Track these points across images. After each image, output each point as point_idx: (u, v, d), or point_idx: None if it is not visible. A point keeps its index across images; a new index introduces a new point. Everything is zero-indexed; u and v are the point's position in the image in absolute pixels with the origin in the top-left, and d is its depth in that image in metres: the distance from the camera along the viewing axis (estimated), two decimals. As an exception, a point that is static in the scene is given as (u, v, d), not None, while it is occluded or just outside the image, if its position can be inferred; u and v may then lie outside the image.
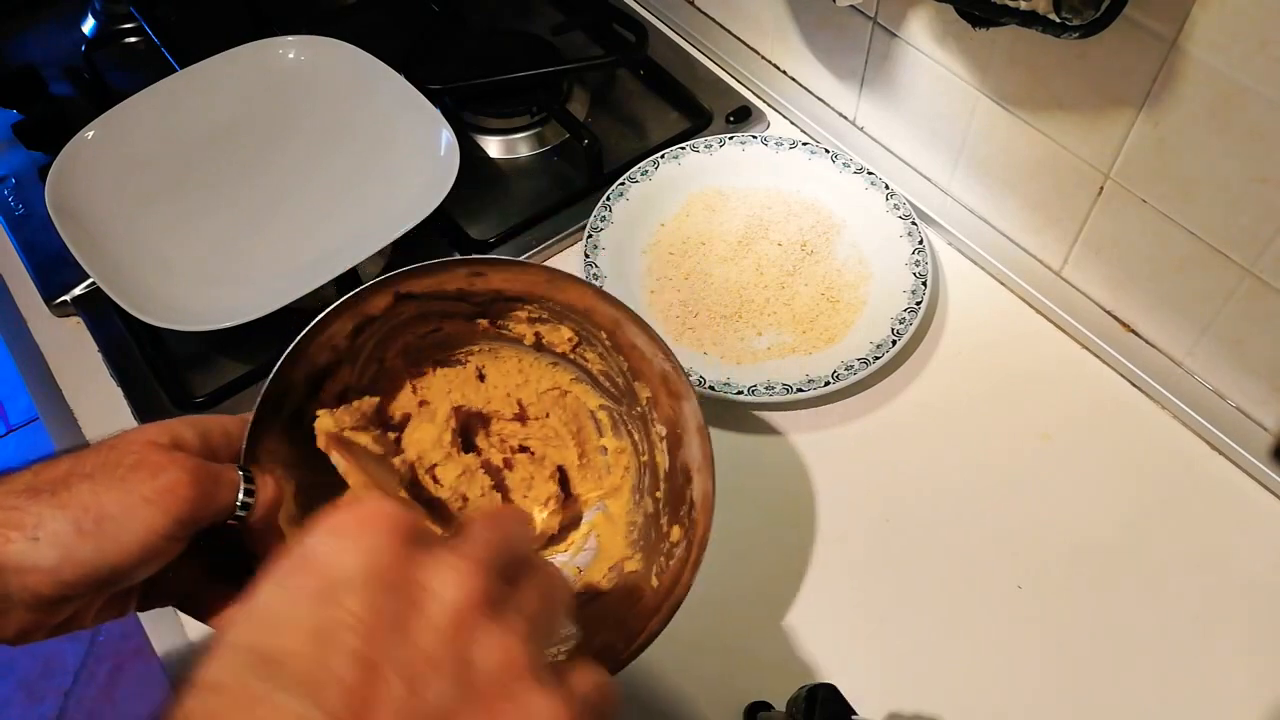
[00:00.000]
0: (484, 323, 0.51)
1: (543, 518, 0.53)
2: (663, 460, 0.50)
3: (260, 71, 0.77)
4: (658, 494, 0.51)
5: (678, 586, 0.46)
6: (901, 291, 0.66)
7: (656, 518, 0.50)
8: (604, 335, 0.50)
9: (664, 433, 0.50)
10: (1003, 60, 0.61)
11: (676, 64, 0.84)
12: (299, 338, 0.44)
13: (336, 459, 0.45)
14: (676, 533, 0.48)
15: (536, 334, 0.51)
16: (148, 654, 0.60)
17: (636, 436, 0.52)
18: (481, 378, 0.53)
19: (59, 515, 0.35)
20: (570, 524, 0.54)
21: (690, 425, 0.48)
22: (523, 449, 0.54)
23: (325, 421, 0.46)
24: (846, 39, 0.72)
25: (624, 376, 0.51)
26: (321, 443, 0.46)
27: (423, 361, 0.52)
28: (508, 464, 0.54)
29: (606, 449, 0.53)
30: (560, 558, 0.53)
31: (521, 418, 0.54)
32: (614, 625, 0.47)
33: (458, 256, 0.47)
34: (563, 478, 0.55)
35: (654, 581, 0.47)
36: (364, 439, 0.47)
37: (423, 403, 0.51)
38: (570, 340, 0.51)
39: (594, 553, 0.53)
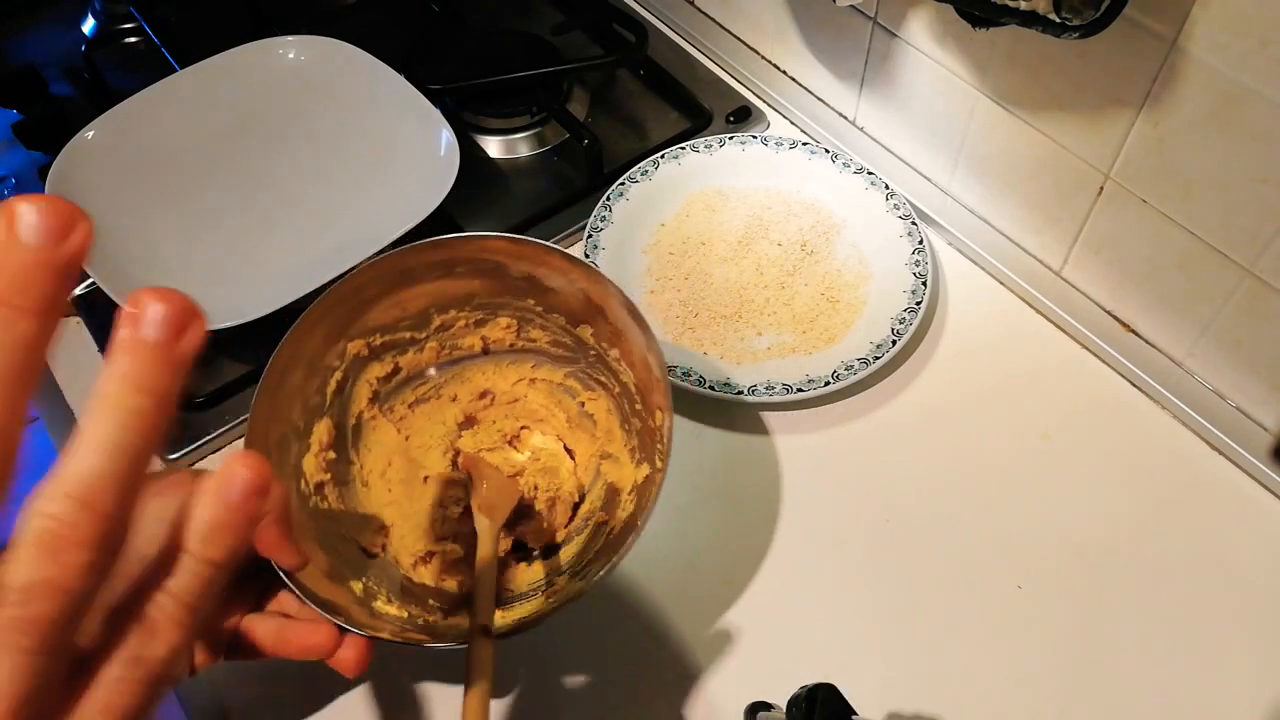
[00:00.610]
0: (434, 345, 0.54)
1: (573, 472, 0.55)
2: (628, 377, 0.52)
3: (260, 72, 0.77)
4: (637, 406, 0.52)
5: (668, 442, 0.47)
6: (901, 291, 0.66)
7: (645, 424, 0.51)
8: (531, 302, 0.53)
9: (618, 354, 0.52)
10: (1003, 60, 0.61)
11: (676, 64, 0.84)
12: (265, 371, 0.48)
13: (470, 479, 0.50)
14: (659, 415, 0.49)
15: (483, 339, 0.55)
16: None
17: (604, 378, 0.54)
18: (454, 400, 0.56)
19: None
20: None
21: (620, 313, 0.50)
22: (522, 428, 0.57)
23: (467, 443, 0.53)
24: (846, 39, 0.73)
25: (567, 333, 0.53)
26: (460, 462, 0.53)
27: (397, 406, 0.55)
28: (513, 442, 0.55)
29: (584, 404, 0.55)
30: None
31: (491, 398, 0.56)
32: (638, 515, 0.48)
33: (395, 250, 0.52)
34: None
35: (658, 463, 0.48)
36: (497, 459, 0.53)
37: (408, 436, 0.54)
38: (510, 328, 0.54)
39: (613, 492, 0.53)
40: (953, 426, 0.63)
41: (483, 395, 0.55)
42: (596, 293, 0.50)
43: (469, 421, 0.55)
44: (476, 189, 0.76)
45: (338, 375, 0.52)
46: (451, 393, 0.55)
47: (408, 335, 0.54)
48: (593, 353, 0.53)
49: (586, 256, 0.69)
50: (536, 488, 0.53)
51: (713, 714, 0.52)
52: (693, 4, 0.87)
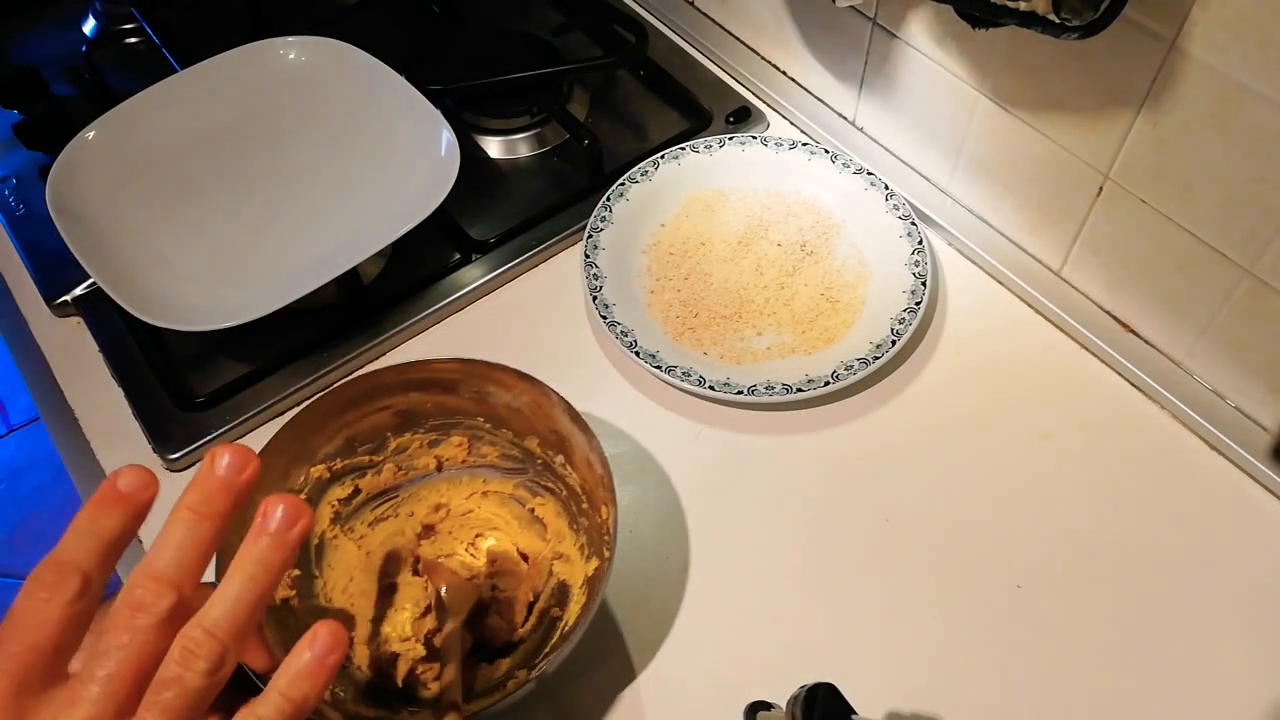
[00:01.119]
0: (391, 467, 0.58)
1: (527, 574, 0.57)
2: (574, 480, 0.55)
3: (261, 72, 0.77)
4: (584, 505, 0.54)
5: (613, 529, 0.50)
6: (901, 291, 0.66)
7: (592, 521, 0.54)
8: (481, 420, 0.57)
9: (563, 460, 0.55)
10: (1002, 61, 0.61)
11: (676, 65, 0.84)
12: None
13: (428, 583, 0.54)
14: (605, 510, 0.51)
15: (437, 458, 0.58)
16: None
17: (551, 484, 0.57)
18: (411, 515, 0.58)
19: None
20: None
21: (563, 420, 0.53)
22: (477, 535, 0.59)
23: (426, 551, 0.57)
24: (846, 40, 0.73)
25: (515, 446, 0.57)
26: (420, 568, 0.55)
27: (357, 525, 0.57)
28: (469, 549, 0.58)
29: (534, 510, 0.58)
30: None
31: (446, 511, 0.59)
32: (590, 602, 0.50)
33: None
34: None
35: (605, 553, 0.50)
36: (454, 564, 0.56)
37: (368, 553, 0.57)
38: (462, 445, 0.58)
39: (566, 591, 0.55)
40: (952, 426, 0.63)
41: (438, 508, 0.59)
42: (542, 404, 0.54)
43: (427, 530, 0.58)
44: (477, 189, 0.76)
45: (301, 497, 0.54)
46: (409, 510, 0.58)
47: (366, 459, 0.57)
48: (540, 462, 0.57)
49: (586, 257, 0.69)
50: (494, 589, 0.55)
51: (713, 713, 0.52)
52: (693, 5, 0.87)
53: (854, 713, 0.42)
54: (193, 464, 0.63)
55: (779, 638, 0.55)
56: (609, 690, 0.53)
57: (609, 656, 0.54)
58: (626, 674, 0.54)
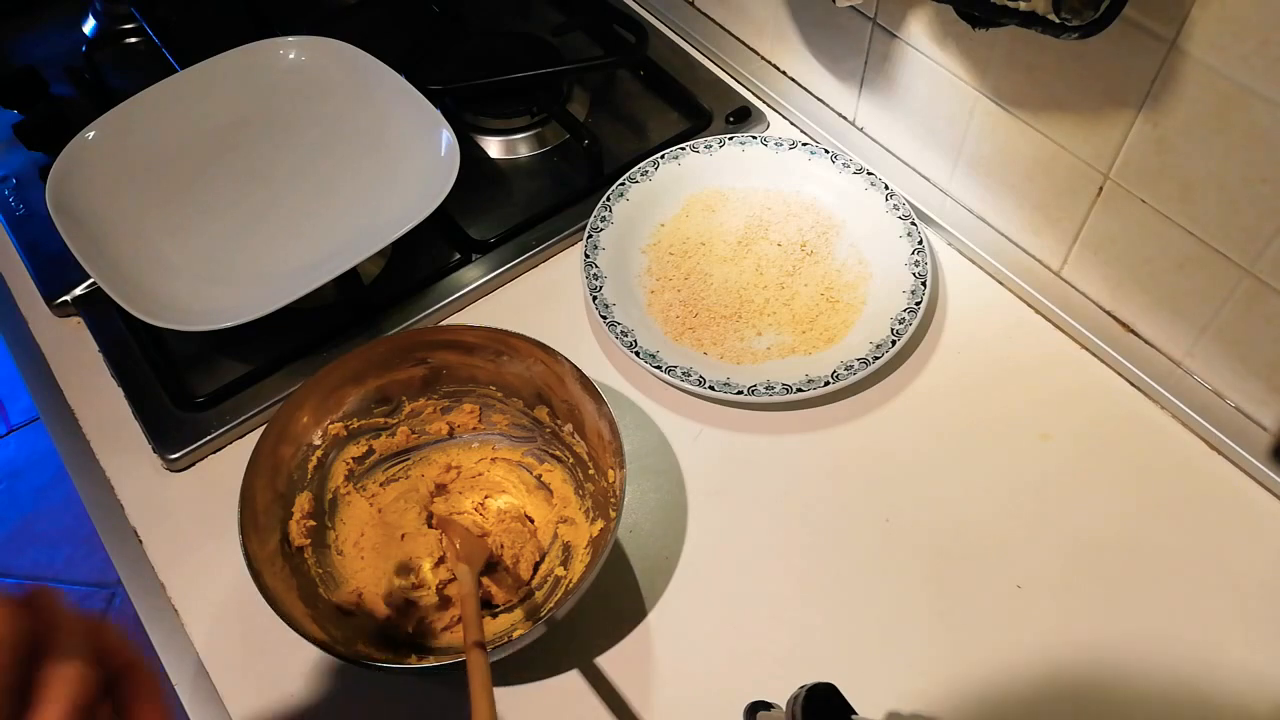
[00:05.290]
0: (404, 430, 0.60)
1: (534, 534, 0.58)
2: (581, 448, 0.57)
3: (261, 72, 0.77)
4: (590, 471, 0.56)
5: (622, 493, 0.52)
6: (901, 291, 0.66)
7: (598, 485, 0.55)
8: (493, 388, 0.59)
9: (571, 429, 0.57)
10: (1002, 61, 0.61)
11: (676, 65, 0.84)
12: (253, 452, 0.53)
13: (443, 535, 0.56)
14: (612, 474, 0.53)
15: (449, 424, 0.61)
16: (148, 654, 0.60)
17: (558, 452, 0.59)
18: (423, 478, 0.60)
19: None
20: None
21: (575, 388, 0.55)
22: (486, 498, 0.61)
23: (439, 508, 0.59)
24: (846, 40, 0.73)
25: (525, 415, 0.60)
26: (434, 523, 0.58)
27: (369, 484, 0.60)
28: (479, 509, 0.60)
29: (541, 477, 0.60)
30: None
31: (457, 472, 0.61)
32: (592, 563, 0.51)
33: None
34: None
35: (611, 513, 0.52)
36: (465, 520, 0.58)
37: (380, 509, 0.59)
38: (474, 413, 0.61)
39: (570, 551, 0.57)
40: (952, 426, 0.63)
41: (449, 469, 0.61)
42: (554, 372, 0.56)
43: (439, 489, 0.60)
44: (477, 189, 0.76)
45: (319, 453, 0.57)
46: (420, 472, 0.60)
47: (381, 420, 0.60)
48: (548, 430, 0.59)
49: (586, 257, 0.69)
50: (502, 546, 0.57)
51: (713, 714, 0.52)
52: (693, 5, 0.87)
53: (854, 713, 0.42)
54: (193, 464, 0.63)
55: (779, 638, 0.55)
56: (604, 688, 0.53)
57: (603, 657, 0.54)
58: (623, 674, 0.54)
